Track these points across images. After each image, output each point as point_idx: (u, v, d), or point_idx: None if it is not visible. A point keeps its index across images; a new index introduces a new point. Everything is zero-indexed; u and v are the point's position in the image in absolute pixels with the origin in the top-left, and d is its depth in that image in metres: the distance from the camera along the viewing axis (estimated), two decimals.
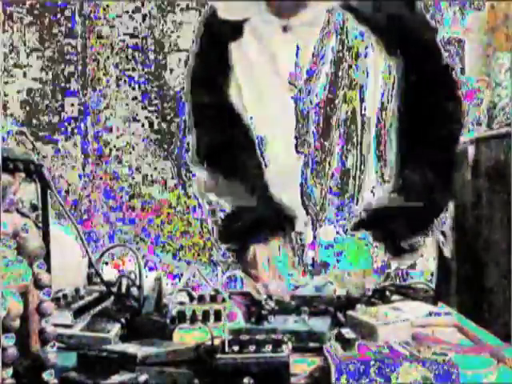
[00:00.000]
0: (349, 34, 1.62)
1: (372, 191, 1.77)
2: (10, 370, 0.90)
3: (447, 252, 2.20)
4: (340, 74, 1.66)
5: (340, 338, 1.12)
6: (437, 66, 1.68)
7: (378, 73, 1.64)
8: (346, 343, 1.06)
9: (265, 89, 1.73)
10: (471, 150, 2.58)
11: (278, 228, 1.69)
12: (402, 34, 1.62)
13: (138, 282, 1.51)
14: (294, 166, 1.76)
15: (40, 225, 1.04)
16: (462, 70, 4.00)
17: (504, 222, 2.44)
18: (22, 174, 1.03)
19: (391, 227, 1.72)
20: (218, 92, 1.77)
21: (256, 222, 1.71)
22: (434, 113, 1.67)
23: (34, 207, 1.04)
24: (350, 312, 1.37)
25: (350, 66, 1.65)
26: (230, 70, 1.75)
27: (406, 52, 1.63)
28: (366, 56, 1.64)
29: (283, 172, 1.78)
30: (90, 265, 1.53)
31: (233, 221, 1.77)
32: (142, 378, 0.99)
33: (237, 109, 1.77)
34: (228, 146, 1.80)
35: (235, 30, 1.72)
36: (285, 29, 1.65)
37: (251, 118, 1.77)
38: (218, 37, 1.75)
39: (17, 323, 0.92)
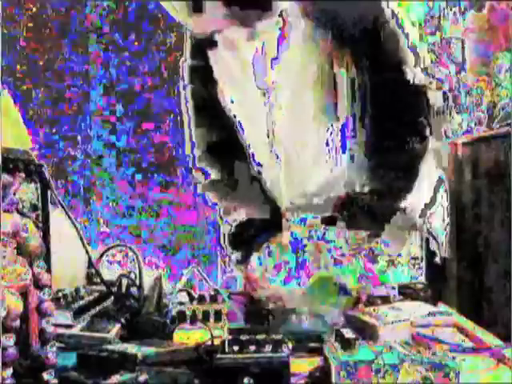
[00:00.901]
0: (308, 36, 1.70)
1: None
2: (10, 370, 0.90)
3: (439, 258, 2.22)
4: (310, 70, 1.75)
5: (340, 338, 1.12)
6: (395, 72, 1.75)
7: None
8: (345, 343, 1.06)
9: (242, 93, 1.82)
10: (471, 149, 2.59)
11: (275, 227, 1.71)
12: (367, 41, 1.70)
13: (138, 282, 1.51)
14: (275, 165, 1.81)
15: (40, 225, 1.04)
16: (462, 70, 3.99)
17: (504, 222, 2.44)
18: (22, 174, 1.03)
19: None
20: (210, 96, 1.85)
21: (256, 223, 1.75)
22: (398, 113, 1.73)
23: (34, 207, 1.04)
24: (350, 312, 1.37)
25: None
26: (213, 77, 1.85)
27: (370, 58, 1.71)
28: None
29: (266, 169, 1.83)
30: (90, 264, 1.53)
31: (244, 228, 1.82)
32: (142, 378, 0.99)
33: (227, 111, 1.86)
34: (223, 145, 1.87)
35: (210, 41, 1.81)
36: (249, 37, 1.74)
37: (236, 118, 1.84)
38: (201, 47, 1.86)
39: (17, 323, 0.92)
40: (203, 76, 1.88)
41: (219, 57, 1.83)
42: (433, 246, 2.38)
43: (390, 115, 1.75)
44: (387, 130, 1.75)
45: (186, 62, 1.93)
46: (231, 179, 1.88)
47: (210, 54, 1.84)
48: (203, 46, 1.86)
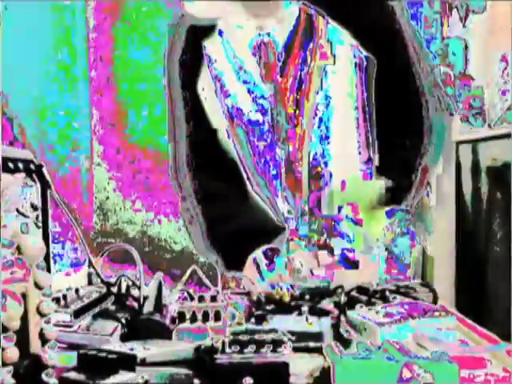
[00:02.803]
0: (320, 29, 1.65)
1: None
2: (10, 370, 0.90)
3: (429, 248, 2.22)
4: (311, 65, 1.69)
5: (340, 338, 1.12)
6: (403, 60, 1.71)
7: (346, 63, 1.67)
8: (345, 343, 1.06)
9: (239, 84, 1.76)
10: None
11: (266, 236, 1.68)
12: (374, 30, 1.65)
13: (138, 282, 1.51)
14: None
15: (40, 225, 1.04)
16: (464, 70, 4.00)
17: (504, 222, 2.43)
18: (22, 174, 1.03)
19: None
20: (193, 91, 1.80)
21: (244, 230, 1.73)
22: (400, 102, 1.70)
23: (34, 207, 1.04)
24: (350, 312, 1.37)
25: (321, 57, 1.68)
26: (201, 68, 1.78)
27: (377, 46, 1.65)
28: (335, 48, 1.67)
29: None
30: (90, 265, 1.53)
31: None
32: (142, 378, 0.99)
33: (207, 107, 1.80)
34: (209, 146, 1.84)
35: (208, 28, 1.75)
36: (260, 28, 1.69)
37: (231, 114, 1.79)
38: (192, 37, 1.79)
39: (17, 323, 0.92)
40: (189, 65, 1.80)
41: (218, 43, 1.76)
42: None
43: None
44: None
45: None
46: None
47: (206, 40, 1.77)
48: (197, 32, 1.78)
